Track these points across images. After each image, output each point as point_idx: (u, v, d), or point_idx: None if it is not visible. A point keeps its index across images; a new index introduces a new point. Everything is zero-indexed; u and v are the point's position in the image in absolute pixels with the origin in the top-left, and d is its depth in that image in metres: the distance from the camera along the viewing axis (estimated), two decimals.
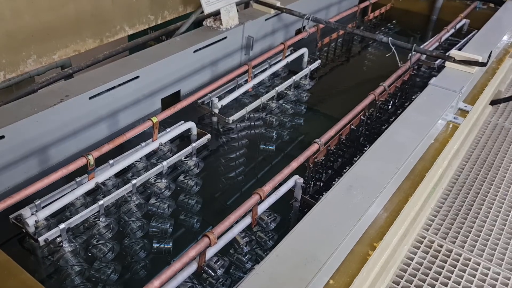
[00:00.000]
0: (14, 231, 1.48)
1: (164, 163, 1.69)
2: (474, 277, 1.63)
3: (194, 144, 1.82)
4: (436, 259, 1.69)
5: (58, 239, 1.41)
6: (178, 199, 1.70)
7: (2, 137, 1.56)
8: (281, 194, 1.51)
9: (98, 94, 1.84)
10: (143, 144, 1.76)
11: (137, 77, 1.98)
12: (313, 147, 1.65)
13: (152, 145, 1.76)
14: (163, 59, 2.07)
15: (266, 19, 2.66)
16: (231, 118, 2.02)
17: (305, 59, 2.57)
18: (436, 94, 1.95)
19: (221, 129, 2.11)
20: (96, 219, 1.51)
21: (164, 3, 2.31)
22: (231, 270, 1.46)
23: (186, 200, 1.71)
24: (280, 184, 1.51)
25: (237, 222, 1.38)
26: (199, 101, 2.07)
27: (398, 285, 1.58)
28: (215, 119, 2.10)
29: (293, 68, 2.51)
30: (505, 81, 2.69)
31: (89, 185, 1.54)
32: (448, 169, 2.01)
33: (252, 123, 2.14)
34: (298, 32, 2.80)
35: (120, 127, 2.00)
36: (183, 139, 1.97)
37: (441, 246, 1.74)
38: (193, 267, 1.26)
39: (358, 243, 1.32)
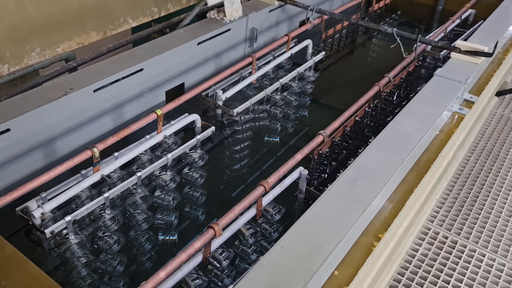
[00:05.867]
0: (20, 224, 1.49)
1: (169, 155, 1.69)
2: (479, 269, 1.63)
3: (198, 137, 1.82)
4: (441, 250, 1.69)
5: (64, 231, 1.42)
6: (183, 192, 1.71)
7: (8, 130, 1.57)
8: (285, 186, 1.51)
9: (103, 87, 1.85)
10: (147, 136, 1.77)
11: (141, 69, 1.98)
12: (318, 139, 1.65)
13: (156, 138, 1.77)
14: (167, 51, 2.07)
15: (270, 11, 2.65)
16: (235, 110, 2.01)
17: (309, 50, 2.56)
18: (441, 85, 1.94)
19: (225, 122, 2.11)
20: (102, 211, 1.52)
21: None
22: (236, 262, 1.46)
23: (191, 192, 1.71)
24: (285, 176, 1.51)
25: (242, 213, 1.38)
26: (203, 94, 2.07)
27: (403, 276, 1.58)
28: (219, 111, 2.10)
29: (297, 60, 2.49)
30: None
31: (94, 178, 1.55)
32: (453, 160, 2.01)
33: (257, 115, 2.14)
34: (302, 23, 2.78)
35: (125, 120, 2.00)
36: (188, 132, 1.97)
37: (446, 237, 1.74)
38: (198, 258, 1.26)
39: (363, 234, 1.32)
